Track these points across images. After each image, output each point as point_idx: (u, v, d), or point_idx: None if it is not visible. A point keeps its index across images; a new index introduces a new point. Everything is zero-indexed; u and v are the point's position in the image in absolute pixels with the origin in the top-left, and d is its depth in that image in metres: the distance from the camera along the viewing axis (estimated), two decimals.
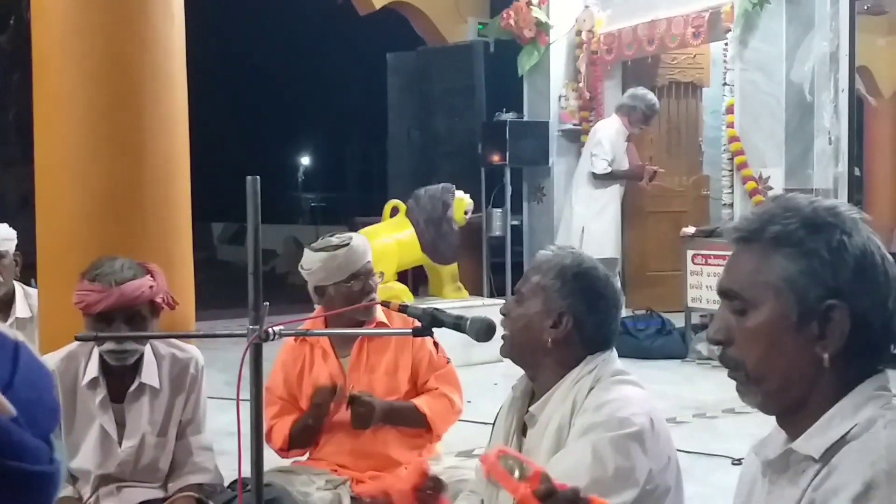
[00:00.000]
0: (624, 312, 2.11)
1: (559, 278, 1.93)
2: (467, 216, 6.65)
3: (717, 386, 5.41)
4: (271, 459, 2.52)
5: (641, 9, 7.62)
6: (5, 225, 3.86)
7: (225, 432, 3.15)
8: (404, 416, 2.81)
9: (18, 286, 3.90)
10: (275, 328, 1.75)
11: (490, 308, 6.09)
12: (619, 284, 2.28)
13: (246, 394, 1.74)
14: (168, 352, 2.67)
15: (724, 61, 6.98)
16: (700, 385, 5.70)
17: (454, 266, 6.78)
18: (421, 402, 2.83)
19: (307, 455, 2.96)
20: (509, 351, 1.98)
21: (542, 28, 8.21)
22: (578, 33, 8.21)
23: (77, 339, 2.47)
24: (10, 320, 3.73)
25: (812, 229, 1.22)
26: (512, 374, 2.07)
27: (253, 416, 1.77)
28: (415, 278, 7.30)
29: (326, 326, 2.88)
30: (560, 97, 8.26)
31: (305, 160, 33.56)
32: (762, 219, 1.26)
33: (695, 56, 8.34)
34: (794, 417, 1.25)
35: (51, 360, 2.57)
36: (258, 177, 1.72)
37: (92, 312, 2.47)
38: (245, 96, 23.88)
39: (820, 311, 1.20)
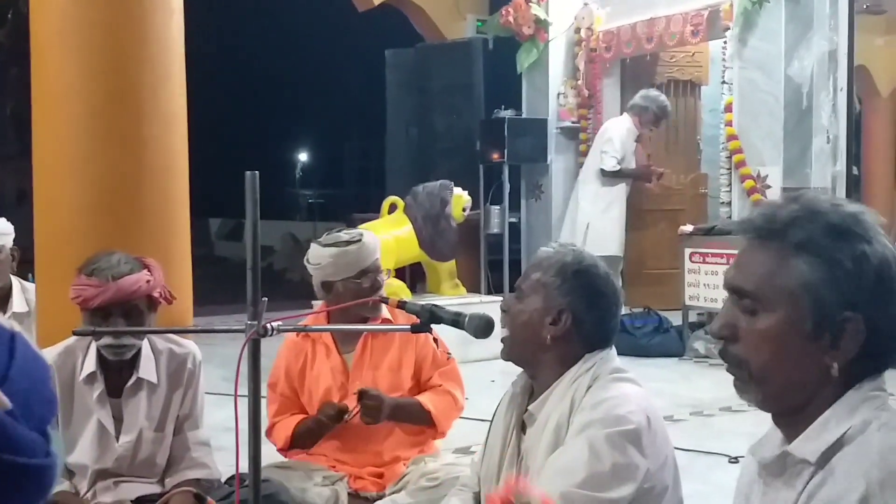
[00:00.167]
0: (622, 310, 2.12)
1: (559, 275, 1.93)
2: (465, 213, 6.65)
3: (714, 384, 5.41)
4: (269, 455, 2.52)
5: (640, 7, 7.62)
6: (3, 219, 3.86)
7: (222, 428, 3.15)
8: (409, 413, 2.81)
9: (15, 281, 3.90)
10: (273, 324, 1.75)
11: (487, 305, 6.10)
12: (620, 283, 2.28)
13: (244, 389, 1.74)
14: (166, 347, 2.67)
15: (723, 59, 6.98)
16: (697, 383, 5.70)
17: (452, 263, 6.79)
18: (425, 399, 2.83)
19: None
20: (509, 350, 1.98)
21: (541, 25, 8.21)
22: (577, 31, 8.21)
23: (74, 333, 2.47)
24: (7, 315, 3.73)
25: (836, 237, 1.19)
26: (509, 371, 2.07)
27: (250, 412, 1.78)
28: (412, 275, 7.30)
29: (329, 321, 2.87)
30: (559, 94, 8.26)
31: (303, 156, 33.57)
32: (784, 219, 1.23)
33: (693, 54, 8.34)
34: (793, 418, 1.24)
35: (48, 354, 2.56)
36: (257, 172, 1.72)
37: (89, 307, 2.47)
38: (243, 92, 23.87)
39: (836, 321, 1.18)
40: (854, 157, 6.99)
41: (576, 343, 1.91)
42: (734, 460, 3.91)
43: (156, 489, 2.61)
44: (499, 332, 2.02)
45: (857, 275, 1.17)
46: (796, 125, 6.55)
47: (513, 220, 8.28)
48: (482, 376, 5.33)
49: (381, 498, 2.73)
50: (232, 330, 1.86)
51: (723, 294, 1.32)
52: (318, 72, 23.36)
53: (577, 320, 1.91)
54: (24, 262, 3.88)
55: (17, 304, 3.82)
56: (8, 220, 3.89)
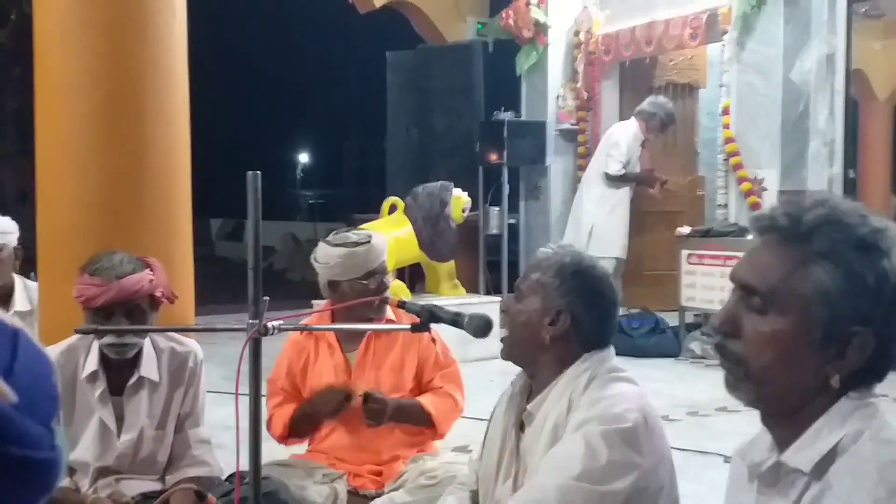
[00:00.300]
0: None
1: (558, 276, 1.94)
2: (465, 214, 6.66)
3: (710, 384, 5.42)
4: (269, 453, 2.54)
5: (639, 10, 7.64)
6: (7, 218, 3.87)
7: (223, 426, 3.17)
8: (410, 414, 2.82)
9: (18, 279, 3.90)
10: (273, 323, 1.77)
11: (486, 305, 6.12)
12: (620, 285, 2.31)
13: (244, 388, 1.76)
14: (167, 345, 2.69)
15: (721, 63, 7.00)
16: (693, 384, 5.71)
17: (451, 263, 6.80)
18: (426, 401, 2.84)
19: (306, 447, 2.97)
20: (509, 350, 2.00)
21: (541, 28, 8.23)
22: (577, 34, 8.23)
23: (77, 332, 2.48)
24: (10, 314, 3.74)
25: (862, 251, 1.16)
26: (507, 370, 2.09)
27: (251, 411, 1.79)
28: (412, 275, 7.32)
29: (333, 320, 2.88)
30: (558, 97, 8.29)
31: (304, 157, 33.55)
32: (810, 224, 1.19)
33: (692, 57, 8.36)
34: (784, 422, 1.23)
35: (50, 353, 2.54)
36: (259, 172, 1.72)
37: (92, 306, 2.49)
38: (245, 93, 23.89)
39: (846, 333, 1.16)
40: (851, 160, 7.01)
41: (574, 343, 1.93)
42: (729, 460, 3.92)
43: (156, 487, 2.63)
44: (497, 331, 2.04)
45: (877, 291, 1.15)
46: (793, 128, 6.57)
47: (512, 221, 8.31)
48: (480, 376, 5.35)
49: (379, 496, 2.74)
50: (233, 329, 1.87)
51: (719, 296, 1.32)
52: (320, 73, 23.41)
53: (576, 321, 1.92)
54: (27, 261, 3.90)
55: (20, 302, 3.83)
56: (10, 218, 3.90)
